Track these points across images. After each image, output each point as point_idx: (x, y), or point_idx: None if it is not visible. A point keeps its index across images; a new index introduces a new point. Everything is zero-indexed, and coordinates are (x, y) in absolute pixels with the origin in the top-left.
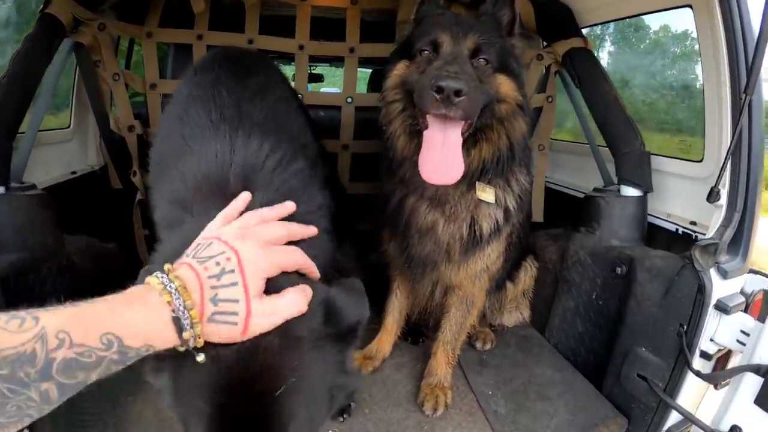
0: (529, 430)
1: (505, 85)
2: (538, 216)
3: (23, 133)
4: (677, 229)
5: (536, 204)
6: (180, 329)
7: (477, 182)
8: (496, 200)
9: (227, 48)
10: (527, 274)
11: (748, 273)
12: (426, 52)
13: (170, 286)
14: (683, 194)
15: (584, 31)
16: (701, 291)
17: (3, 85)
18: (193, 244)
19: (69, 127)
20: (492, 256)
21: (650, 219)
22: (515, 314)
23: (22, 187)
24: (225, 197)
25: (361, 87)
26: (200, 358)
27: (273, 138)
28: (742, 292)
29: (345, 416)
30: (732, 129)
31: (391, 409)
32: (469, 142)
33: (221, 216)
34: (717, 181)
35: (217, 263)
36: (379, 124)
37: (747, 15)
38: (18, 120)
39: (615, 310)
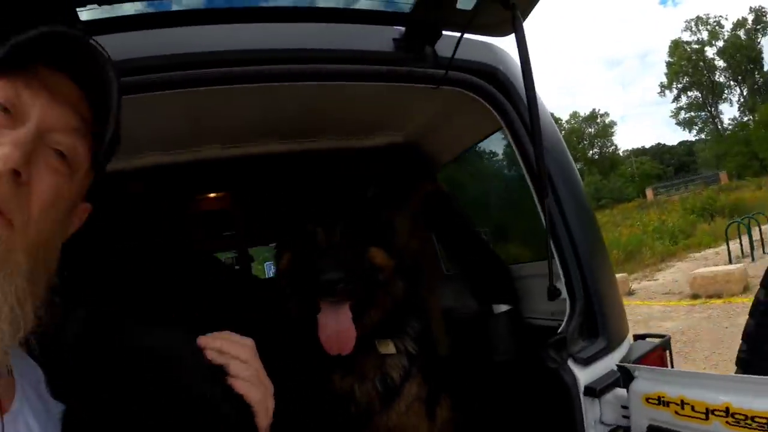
0: None
1: (378, 256)
2: None
3: None
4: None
5: None
6: None
7: (375, 341)
8: (397, 349)
9: None
10: None
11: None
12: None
13: None
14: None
15: None
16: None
17: None
18: None
19: None
20: None
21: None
22: None
23: None
24: None
25: None
26: None
27: None
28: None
29: None
30: (546, 227)
31: None
32: (359, 310)
33: None
34: (550, 279)
35: None
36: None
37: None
38: None
39: None
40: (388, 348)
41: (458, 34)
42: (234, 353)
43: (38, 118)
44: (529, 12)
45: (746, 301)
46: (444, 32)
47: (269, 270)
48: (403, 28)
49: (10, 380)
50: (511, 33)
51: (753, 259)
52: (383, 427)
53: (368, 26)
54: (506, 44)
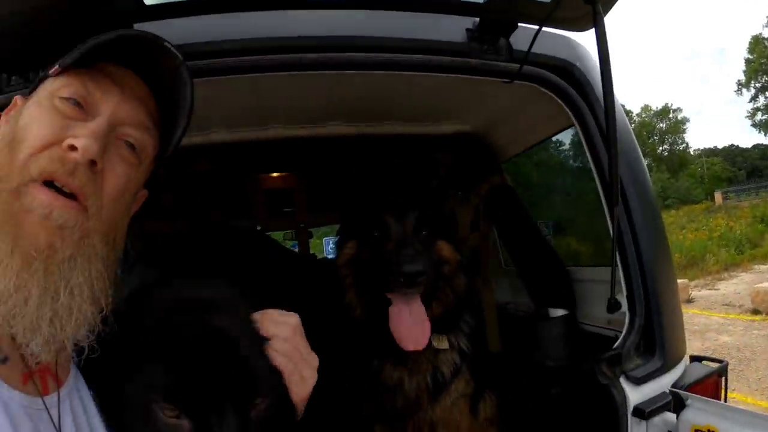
0: None
1: (445, 249)
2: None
3: None
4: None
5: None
6: None
7: (431, 334)
8: (450, 345)
9: None
10: None
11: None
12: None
13: None
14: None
15: None
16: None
17: None
18: None
19: None
20: None
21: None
22: None
23: None
24: None
25: None
26: None
27: None
28: (675, 388)
29: None
30: (613, 237)
31: None
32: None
33: None
34: (611, 291)
35: None
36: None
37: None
38: None
39: None
40: (443, 343)
41: (534, 27)
42: (274, 333)
43: (110, 112)
44: (611, 6)
45: None
46: (519, 24)
47: (327, 245)
48: (477, 19)
49: (67, 355)
50: (591, 28)
51: None
52: (426, 420)
53: (441, 15)
54: (582, 38)
